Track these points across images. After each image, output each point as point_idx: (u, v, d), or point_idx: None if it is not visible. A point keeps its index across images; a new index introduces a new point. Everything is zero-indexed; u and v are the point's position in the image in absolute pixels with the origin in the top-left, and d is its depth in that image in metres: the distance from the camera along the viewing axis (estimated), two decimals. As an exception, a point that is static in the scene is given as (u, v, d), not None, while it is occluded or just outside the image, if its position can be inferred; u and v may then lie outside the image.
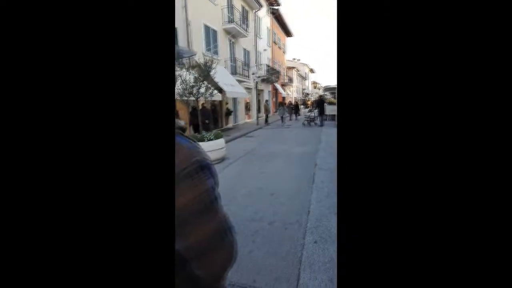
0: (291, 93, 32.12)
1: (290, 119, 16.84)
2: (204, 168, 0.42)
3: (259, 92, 18.83)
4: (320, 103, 12.91)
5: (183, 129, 0.48)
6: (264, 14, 18.46)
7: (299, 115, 17.50)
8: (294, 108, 18.03)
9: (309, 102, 25.36)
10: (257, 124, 13.51)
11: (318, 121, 12.16)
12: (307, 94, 45.69)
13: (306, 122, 12.44)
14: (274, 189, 3.57)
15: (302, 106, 19.44)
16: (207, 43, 10.51)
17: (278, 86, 23.27)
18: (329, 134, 8.52)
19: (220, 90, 9.94)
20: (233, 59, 13.05)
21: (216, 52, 11.11)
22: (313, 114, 12.66)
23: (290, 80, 31.72)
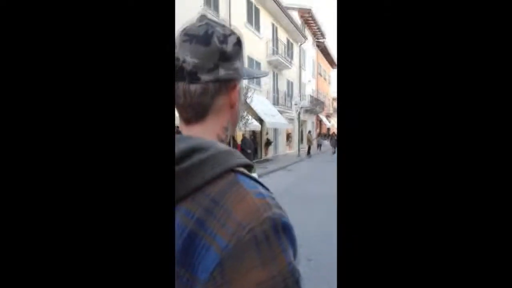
0: (336, 124, 30.77)
1: (334, 152, 15.23)
2: (280, 230, 0.29)
3: (302, 123, 18.26)
4: None
5: (249, 166, 0.35)
6: (309, 46, 18.52)
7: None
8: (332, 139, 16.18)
9: None
10: (298, 155, 12.74)
11: None
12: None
13: None
14: (313, 252, 2.74)
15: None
16: (250, 74, 10.56)
17: (322, 116, 22.46)
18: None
19: (260, 120, 9.65)
20: (276, 90, 12.93)
21: (258, 83, 11.10)
22: None
23: (336, 111, 30.65)
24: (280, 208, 0.31)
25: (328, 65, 25.44)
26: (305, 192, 5.36)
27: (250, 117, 8.18)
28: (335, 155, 14.08)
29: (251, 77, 0.45)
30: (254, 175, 0.36)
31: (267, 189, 0.33)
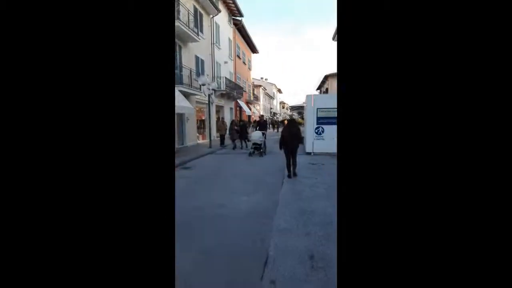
0: (258, 112, 30.29)
1: (234, 147, 10.64)
2: None
3: (218, 109, 16.37)
4: (262, 124, 9.61)
5: None
6: (224, 23, 16.48)
7: (248, 140, 10.57)
8: (240, 130, 10.78)
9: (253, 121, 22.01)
10: (210, 147, 10.83)
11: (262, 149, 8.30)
12: (275, 113, 44.76)
13: (252, 151, 8.40)
14: None
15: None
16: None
17: (242, 103, 21.10)
18: (299, 171, 6.08)
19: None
20: (179, 67, 10.47)
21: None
22: (260, 140, 8.41)
23: (256, 98, 30.05)
24: None
25: (248, 49, 24.09)
26: (195, 205, 3.46)
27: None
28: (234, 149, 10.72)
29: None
30: None
31: None
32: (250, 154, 8.31)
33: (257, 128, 9.58)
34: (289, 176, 5.01)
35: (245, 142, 10.87)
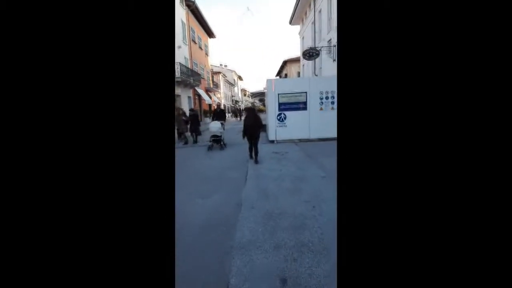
0: (218, 100, 29.16)
1: (185, 142, 8.71)
2: None
3: (175, 97, 15.10)
4: (220, 113, 8.54)
5: None
6: (176, 3, 14.95)
7: (199, 134, 8.97)
8: (192, 121, 8.78)
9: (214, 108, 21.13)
10: (166, 140, 9.80)
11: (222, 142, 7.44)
12: (237, 101, 43.84)
13: (211, 144, 7.38)
14: None
15: (229, 115, 15.53)
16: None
17: (200, 91, 19.89)
18: (261, 162, 5.64)
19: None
20: (123, 50, 9.06)
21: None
22: (220, 132, 7.41)
23: (216, 85, 28.82)
24: None
25: (204, 34, 22.59)
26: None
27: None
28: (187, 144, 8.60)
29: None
30: None
31: None
32: (209, 148, 7.55)
33: (215, 118, 8.62)
34: (250, 157, 5.59)
35: (196, 136, 8.95)
